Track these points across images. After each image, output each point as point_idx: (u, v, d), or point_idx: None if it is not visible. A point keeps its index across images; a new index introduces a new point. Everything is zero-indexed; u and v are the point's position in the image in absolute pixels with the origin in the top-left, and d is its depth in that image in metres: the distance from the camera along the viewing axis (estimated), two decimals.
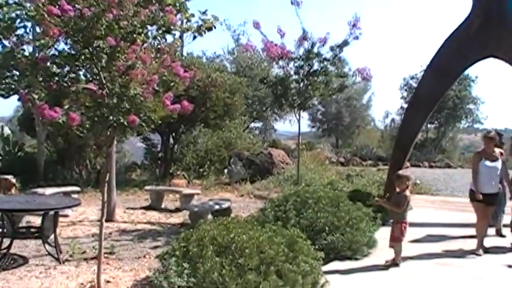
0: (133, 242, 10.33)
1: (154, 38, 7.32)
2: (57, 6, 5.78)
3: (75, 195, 13.29)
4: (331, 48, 13.59)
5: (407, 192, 8.64)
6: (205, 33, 14.10)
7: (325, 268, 7.67)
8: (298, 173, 15.86)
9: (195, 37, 14.34)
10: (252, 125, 35.53)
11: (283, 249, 6.52)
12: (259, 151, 23.01)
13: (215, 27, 14.03)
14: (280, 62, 14.02)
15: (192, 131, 23.00)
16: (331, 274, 7.67)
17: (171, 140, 21.71)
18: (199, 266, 6.09)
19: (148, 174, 21.99)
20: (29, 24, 15.22)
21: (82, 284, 7.39)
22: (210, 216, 11.63)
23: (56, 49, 6.72)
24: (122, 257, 9.01)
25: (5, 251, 8.69)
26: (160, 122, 6.59)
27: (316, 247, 7.55)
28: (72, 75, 6.52)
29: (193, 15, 13.84)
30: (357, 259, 8.84)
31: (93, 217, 12.69)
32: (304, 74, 13.79)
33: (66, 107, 6.07)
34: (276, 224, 7.86)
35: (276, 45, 13.52)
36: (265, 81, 14.84)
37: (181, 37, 16.63)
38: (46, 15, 5.88)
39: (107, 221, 9.36)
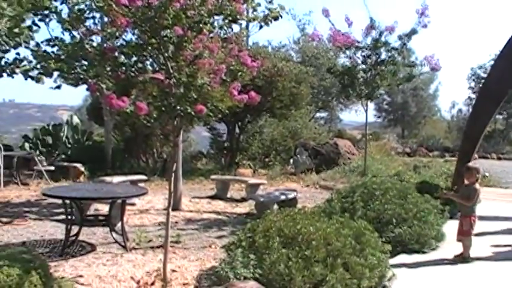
0: (199, 231, 10.37)
1: (221, 27, 7.26)
2: None
3: (142, 184, 13.43)
4: (399, 37, 13.37)
5: (477, 185, 8.40)
6: (271, 22, 14.01)
7: (392, 261, 7.54)
8: (365, 163, 15.68)
9: (261, 27, 14.26)
10: (318, 114, 35.39)
11: (351, 242, 6.42)
12: (325, 141, 22.88)
13: (281, 17, 13.92)
14: (347, 52, 13.87)
15: (258, 120, 22.99)
16: (398, 267, 7.53)
17: (237, 130, 21.75)
18: (265, 257, 6.05)
19: (214, 164, 22.09)
20: (97, 15, 15.44)
21: (148, 272, 7.43)
22: (275, 207, 11.58)
23: (123, 39, 6.74)
24: (187, 246, 9.04)
25: (73, 238, 8.83)
26: (226, 111, 6.56)
27: (383, 240, 7.43)
28: (140, 65, 6.53)
29: (259, 5, 13.78)
30: (424, 252, 8.66)
31: (159, 206, 12.79)
32: (372, 64, 13.60)
33: (134, 96, 6.08)
34: (343, 216, 7.75)
35: (342, 34, 13.37)
36: (332, 70, 14.70)
37: (247, 27, 16.60)
38: (114, 6, 5.89)
39: (173, 210, 9.39)
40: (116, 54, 6.55)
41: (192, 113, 5.99)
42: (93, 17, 15.57)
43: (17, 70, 16.32)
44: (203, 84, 5.98)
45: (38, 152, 19.21)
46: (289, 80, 19.74)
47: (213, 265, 7.71)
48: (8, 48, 15.51)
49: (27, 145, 20.49)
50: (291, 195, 12.49)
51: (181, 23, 5.96)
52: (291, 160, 21.64)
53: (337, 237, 6.36)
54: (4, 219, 11.20)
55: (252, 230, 6.85)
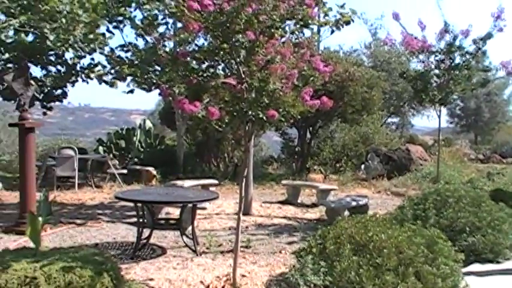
0: (269, 236, 10.34)
1: (292, 32, 7.24)
2: (197, 2, 5.81)
3: (213, 188, 13.49)
4: (474, 41, 13.06)
5: None
6: (343, 27, 13.91)
7: (464, 270, 7.35)
8: (437, 170, 15.38)
9: (332, 31, 14.18)
10: (389, 120, 34.98)
11: (423, 250, 6.29)
12: (397, 147, 22.60)
13: (353, 21, 13.81)
14: (421, 56, 13.64)
15: (329, 125, 22.88)
16: (470, 276, 7.34)
17: (308, 135, 21.66)
18: (336, 264, 5.98)
19: (285, 168, 22.07)
20: (170, 20, 15.61)
21: (218, 277, 7.43)
22: (346, 213, 11.47)
23: (195, 44, 6.77)
24: (257, 252, 9.02)
25: (145, 241, 8.93)
26: (298, 116, 6.52)
27: (456, 248, 7.26)
28: (212, 70, 6.55)
29: (331, 9, 13.70)
30: (498, 262, 8.41)
31: (230, 210, 12.84)
32: (446, 68, 13.32)
33: (206, 101, 6.10)
34: (415, 223, 7.61)
35: (415, 38, 13.15)
36: (404, 75, 14.47)
37: (318, 31, 16.53)
38: (186, 11, 5.93)
39: (243, 214, 9.39)
40: (188, 59, 6.59)
41: (264, 118, 5.97)
42: (166, 23, 15.78)
43: (92, 75, 16.64)
44: (275, 89, 5.95)
45: (111, 156, 19.57)
46: (361, 85, 19.57)
47: (282, 271, 7.67)
48: (83, 54, 15.82)
49: (101, 148, 20.88)
50: (362, 202, 12.35)
51: (253, 27, 5.95)
52: (362, 166, 21.44)
53: (409, 246, 6.24)
54: (78, 221, 11.42)
55: (322, 237, 6.78)
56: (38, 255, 5.32)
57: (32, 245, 5.65)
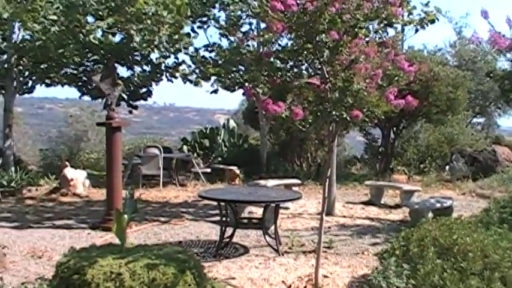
0: (351, 237, 10.26)
1: (376, 31, 7.15)
2: (280, 2, 5.82)
3: (295, 188, 13.49)
4: None
5: None
6: (427, 26, 13.68)
7: None
8: None
9: (417, 30, 13.97)
10: (474, 120, 34.18)
11: (509, 255, 6.11)
12: (482, 148, 22.05)
13: (437, 20, 13.55)
14: (508, 55, 13.27)
15: (413, 125, 22.53)
16: None
17: (392, 135, 21.39)
18: (419, 267, 5.87)
19: (368, 169, 21.86)
20: (253, 21, 15.70)
21: (300, 277, 7.42)
22: (430, 215, 11.24)
23: (279, 44, 6.78)
24: (340, 252, 8.97)
25: (227, 239, 9.00)
26: (382, 116, 6.45)
27: None
28: (295, 69, 6.55)
29: (415, 8, 13.49)
30: None
31: (312, 210, 12.80)
32: None
33: (289, 101, 6.10)
34: (502, 227, 7.40)
35: (503, 36, 12.81)
36: (491, 74, 14.14)
37: (402, 30, 16.32)
38: (270, 11, 5.94)
39: (326, 214, 9.34)
40: (272, 59, 6.60)
41: (348, 118, 5.92)
42: (250, 23, 15.89)
43: (177, 74, 16.91)
44: (359, 89, 5.90)
45: (195, 155, 19.79)
46: (446, 85, 19.18)
47: (365, 273, 7.59)
48: (168, 54, 16.08)
49: (185, 147, 21.15)
50: (447, 204, 12.10)
51: (336, 27, 5.91)
52: (447, 167, 21.00)
53: (495, 250, 6.08)
54: (162, 219, 11.61)
55: (406, 239, 6.69)
56: (124, 251, 5.42)
57: (117, 241, 5.76)
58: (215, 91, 17.93)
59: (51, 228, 10.69)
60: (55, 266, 5.53)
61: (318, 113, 6.08)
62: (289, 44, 6.58)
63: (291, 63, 6.68)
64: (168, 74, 17.35)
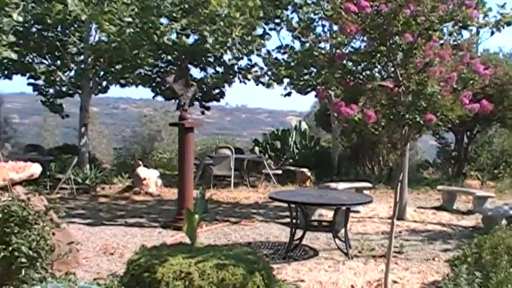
0: (422, 242, 10.11)
1: (450, 34, 7.02)
2: (354, 4, 5.77)
3: (366, 192, 13.37)
4: None
5: None
6: (503, 28, 13.41)
7: None
8: None
9: (492, 33, 13.71)
10: None
11: None
12: None
13: None
14: None
15: (488, 130, 22.04)
16: None
17: (465, 139, 20.99)
18: (492, 276, 5.74)
19: (440, 173, 21.49)
20: (326, 23, 15.66)
21: (369, 281, 7.37)
22: (504, 222, 10.99)
23: (351, 46, 6.73)
24: (410, 258, 8.84)
25: (297, 242, 8.99)
26: (456, 120, 6.34)
27: None
28: (368, 72, 6.49)
29: (490, 10, 13.24)
30: None
31: (383, 214, 12.67)
32: None
33: (362, 104, 6.04)
34: None
35: None
36: None
37: (477, 33, 16.01)
38: (343, 13, 5.91)
39: (397, 219, 9.25)
40: (345, 61, 6.56)
41: (421, 122, 5.83)
42: (323, 25, 15.85)
43: (249, 76, 17.00)
44: (433, 92, 5.80)
45: (267, 156, 19.83)
46: None
47: (435, 279, 7.48)
48: (241, 56, 16.18)
49: (257, 149, 21.21)
50: None
51: (411, 29, 5.84)
52: None
53: None
54: (233, 219, 11.68)
55: (478, 246, 6.55)
56: (194, 251, 5.48)
57: (188, 240, 5.82)
58: (288, 94, 17.98)
59: (123, 226, 10.90)
60: (126, 263, 5.64)
61: (391, 116, 6.01)
62: (362, 46, 6.52)
63: (363, 65, 6.62)
64: (240, 76, 17.49)
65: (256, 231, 10.64)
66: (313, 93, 17.61)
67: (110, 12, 13.71)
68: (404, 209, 12.27)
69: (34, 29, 15.87)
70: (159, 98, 19.41)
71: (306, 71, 16.56)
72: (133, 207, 13.10)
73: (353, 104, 5.75)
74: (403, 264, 8.43)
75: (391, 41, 5.97)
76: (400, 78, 6.01)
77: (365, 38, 6.27)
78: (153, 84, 18.41)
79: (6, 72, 16.90)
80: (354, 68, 6.60)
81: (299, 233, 9.03)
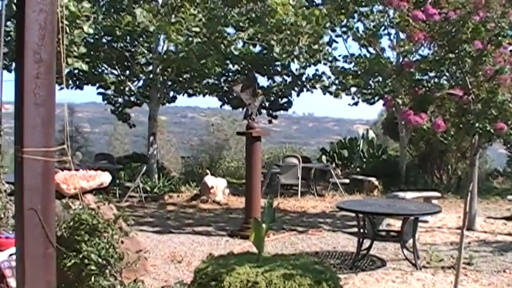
0: (492, 254, 9.88)
1: None
2: (422, 11, 5.72)
3: (435, 201, 13.17)
4: None
5: None
6: None
7: None
8: None
9: None
10: None
11: None
12: None
13: None
14: None
15: None
16: None
17: None
18: None
19: (511, 183, 21.03)
20: (392, 31, 15.54)
21: None
22: None
23: (419, 54, 6.66)
24: (480, 269, 8.65)
25: (365, 252, 8.91)
26: None
27: None
28: (436, 80, 6.41)
29: None
30: None
31: (452, 224, 12.45)
32: None
33: (430, 112, 5.97)
34: None
35: None
36: None
37: None
38: (411, 21, 5.85)
39: (466, 229, 9.08)
40: (413, 70, 6.49)
41: (492, 130, 5.72)
42: (389, 33, 15.73)
43: (317, 85, 16.98)
44: (504, 100, 5.68)
45: (334, 165, 19.73)
46: None
47: None
48: (308, 64, 16.20)
49: (324, 158, 21.16)
50: None
51: (480, 36, 5.74)
52: None
53: None
54: (300, 229, 11.66)
55: None
56: (261, 260, 5.48)
57: (254, 249, 5.83)
58: (356, 103, 17.90)
59: (190, 234, 11.01)
60: (193, 271, 5.67)
61: (460, 125, 5.91)
62: (429, 55, 6.45)
63: (432, 73, 6.54)
64: (308, 86, 17.51)
65: (323, 241, 10.60)
66: (380, 101, 17.51)
67: (177, 22, 13.90)
68: (473, 219, 12.03)
69: (104, 41, 16.18)
70: (227, 107, 19.57)
71: (372, 79, 16.47)
72: (200, 216, 13.22)
73: (422, 112, 5.68)
74: (473, 276, 8.26)
75: (460, 48, 5.88)
76: (470, 86, 5.91)
77: (433, 46, 6.21)
78: (221, 94, 18.56)
79: (77, 83, 17.28)
80: (421, 76, 6.53)
81: (366, 243, 8.95)
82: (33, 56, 4.13)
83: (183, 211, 13.84)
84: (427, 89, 6.30)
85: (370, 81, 16.89)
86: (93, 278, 5.13)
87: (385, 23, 15.07)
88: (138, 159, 18.94)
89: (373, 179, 17.57)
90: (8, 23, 11.66)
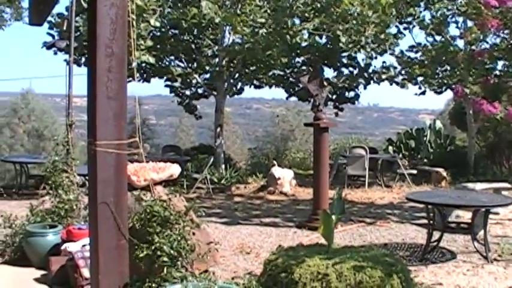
0: None
1: None
2: None
3: (505, 192, 12.90)
4: None
5: None
6: None
7: None
8: None
9: None
10: None
11: None
12: None
13: None
14: None
15: None
16: None
17: None
18: None
19: None
20: (460, 19, 15.25)
21: (510, 287, 7.10)
22: None
23: (486, 42, 6.54)
24: None
25: (434, 244, 8.79)
26: None
27: None
28: (510, 69, 6.29)
29: None
30: None
31: None
32: None
33: (504, 102, 5.86)
34: None
35: None
36: None
37: None
38: (483, 8, 5.75)
39: None
40: (483, 58, 6.38)
41: None
42: (456, 22, 15.45)
43: (383, 76, 16.82)
44: None
45: (401, 155, 19.52)
46: None
47: None
48: (374, 55, 16.06)
49: (390, 148, 20.94)
50: None
51: None
52: None
53: None
54: (368, 220, 11.58)
55: None
56: (330, 252, 5.46)
57: (323, 241, 5.82)
58: (423, 93, 17.67)
59: (258, 225, 11.05)
60: (263, 263, 5.71)
61: None
62: (499, 42, 6.32)
63: (503, 61, 6.41)
64: (375, 78, 17.35)
65: (392, 233, 10.49)
66: (448, 91, 17.26)
67: (243, 14, 13.94)
68: None
69: (170, 33, 16.31)
70: (292, 98, 19.54)
71: (440, 69, 16.21)
72: (268, 207, 13.25)
73: (495, 102, 5.59)
74: None
75: None
76: None
77: (503, 33, 6.09)
78: (287, 85, 18.54)
79: (145, 76, 17.52)
80: (491, 65, 6.42)
81: (436, 235, 8.82)
82: (105, 50, 4.21)
83: (250, 202, 13.90)
84: (500, 77, 6.19)
85: (438, 71, 16.64)
86: (165, 270, 5.19)
87: (454, 11, 14.80)
88: (205, 151, 19.11)
89: (440, 170, 17.32)
90: (77, 18, 11.85)
